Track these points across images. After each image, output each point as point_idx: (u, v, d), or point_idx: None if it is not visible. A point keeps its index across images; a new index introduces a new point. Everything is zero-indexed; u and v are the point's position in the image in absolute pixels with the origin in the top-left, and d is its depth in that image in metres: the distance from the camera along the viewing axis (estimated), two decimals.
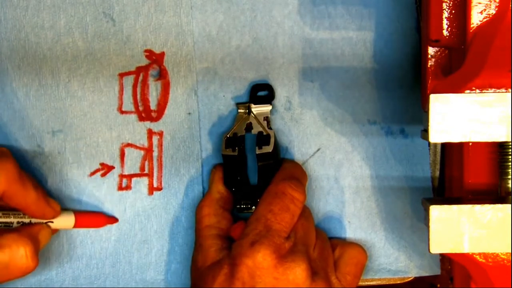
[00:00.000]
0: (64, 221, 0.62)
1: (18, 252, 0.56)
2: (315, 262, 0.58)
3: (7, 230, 0.57)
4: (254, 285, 0.55)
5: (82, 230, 0.64)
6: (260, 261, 0.55)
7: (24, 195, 0.57)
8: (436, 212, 0.54)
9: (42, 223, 0.60)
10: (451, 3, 0.57)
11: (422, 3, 0.61)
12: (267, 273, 0.55)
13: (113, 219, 0.65)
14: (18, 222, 0.59)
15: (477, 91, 0.53)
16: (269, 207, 0.58)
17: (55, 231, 0.63)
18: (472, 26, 0.55)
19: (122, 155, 0.64)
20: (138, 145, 0.64)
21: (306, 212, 0.61)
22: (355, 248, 0.63)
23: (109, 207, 0.65)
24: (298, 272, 0.56)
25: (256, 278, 0.55)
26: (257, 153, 0.62)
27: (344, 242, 0.64)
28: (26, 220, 0.59)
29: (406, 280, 0.66)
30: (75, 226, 0.63)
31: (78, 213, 0.63)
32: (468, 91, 0.53)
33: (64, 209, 0.63)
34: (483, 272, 0.55)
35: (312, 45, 0.65)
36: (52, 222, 0.61)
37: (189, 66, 0.64)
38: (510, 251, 0.54)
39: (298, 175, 0.62)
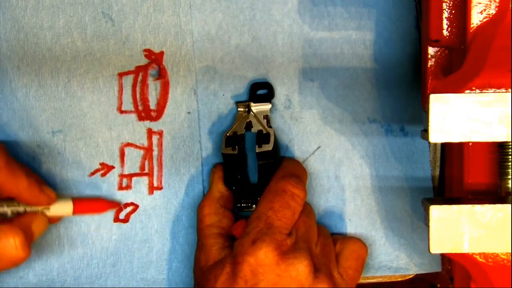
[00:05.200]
0: (62, 208, 0.61)
1: (8, 243, 0.55)
2: (317, 258, 0.58)
3: None
4: (257, 283, 0.55)
5: (83, 230, 0.64)
6: (262, 258, 0.55)
7: (14, 183, 0.57)
8: (436, 212, 0.55)
9: (38, 211, 0.60)
10: (451, 3, 0.57)
11: (422, 3, 0.61)
12: (269, 270, 0.55)
13: (115, 204, 0.64)
14: (12, 212, 0.59)
15: (477, 91, 0.53)
16: (270, 204, 0.58)
17: (57, 220, 0.63)
18: (472, 26, 0.55)
19: (122, 155, 0.64)
20: (138, 144, 0.64)
21: (307, 209, 0.61)
22: (355, 242, 0.63)
23: None
24: (300, 268, 0.56)
25: (259, 275, 0.55)
26: (257, 151, 0.62)
27: (344, 237, 0.64)
28: (21, 209, 0.59)
29: (407, 278, 0.67)
30: (75, 212, 0.62)
31: (77, 199, 0.63)
32: (468, 91, 0.53)
33: (62, 195, 0.62)
34: (483, 272, 0.55)
35: (311, 44, 0.64)
36: (49, 209, 0.60)
37: (189, 66, 0.64)
38: (510, 251, 0.54)
39: (298, 173, 0.62)
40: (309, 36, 0.64)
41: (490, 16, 0.55)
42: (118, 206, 0.65)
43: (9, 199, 0.59)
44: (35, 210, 0.60)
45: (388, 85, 0.65)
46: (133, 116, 0.64)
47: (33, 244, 0.63)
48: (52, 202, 0.61)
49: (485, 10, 0.55)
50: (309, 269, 0.56)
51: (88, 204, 0.63)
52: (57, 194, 0.61)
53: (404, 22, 0.65)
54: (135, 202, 0.65)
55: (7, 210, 0.59)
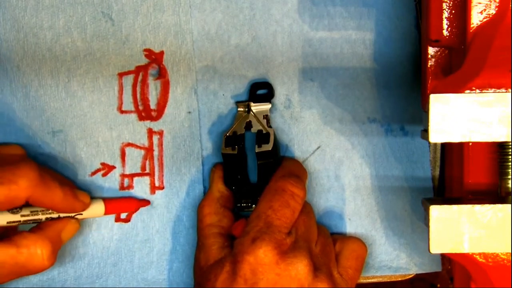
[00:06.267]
0: (94, 211, 0.62)
1: (36, 253, 0.56)
2: (317, 258, 0.58)
3: (28, 230, 0.58)
4: (257, 282, 0.55)
5: (84, 230, 0.64)
6: (261, 257, 0.55)
7: (50, 196, 0.57)
8: (436, 212, 0.55)
9: (71, 216, 0.60)
10: (451, 3, 0.57)
11: (422, 3, 0.61)
12: (269, 269, 0.55)
13: (145, 202, 0.65)
14: (46, 218, 0.59)
15: (477, 91, 0.53)
16: (269, 203, 0.58)
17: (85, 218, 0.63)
18: (472, 26, 0.55)
19: (122, 154, 0.64)
20: (138, 144, 0.64)
21: (307, 208, 0.61)
22: (355, 242, 0.63)
23: None
24: (300, 267, 0.56)
25: (258, 274, 0.55)
26: (256, 151, 0.62)
27: (344, 237, 0.65)
28: (55, 216, 0.59)
29: (407, 277, 0.67)
30: (106, 213, 0.63)
31: (107, 199, 0.63)
32: (468, 91, 0.53)
33: (93, 198, 0.63)
34: (483, 272, 0.55)
35: (311, 44, 0.64)
36: (81, 214, 0.61)
37: (189, 65, 0.64)
38: (510, 251, 0.54)
39: (297, 172, 0.62)
40: (308, 36, 0.64)
41: (490, 16, 0.55)
42: (148, 204, 0.65)
43: None
44: (68, 215, 0.60)
45: (388, 85, 0.65)
46: (134, 116, 0.64)
47: None
48: (86, 207, 0.61)
49: (485, 10, 0.55)
50: (309, 268, 0.56)
51: (119, 204, 0.64)
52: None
53: (404, 21, 0.64)
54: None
55: (42, 217, 0.59)
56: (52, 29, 0.63)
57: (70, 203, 0.59)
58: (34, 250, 0.56)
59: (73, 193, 0.60)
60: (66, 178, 0.63)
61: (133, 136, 0.64)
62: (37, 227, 0.59)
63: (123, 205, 0.64)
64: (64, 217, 0.60)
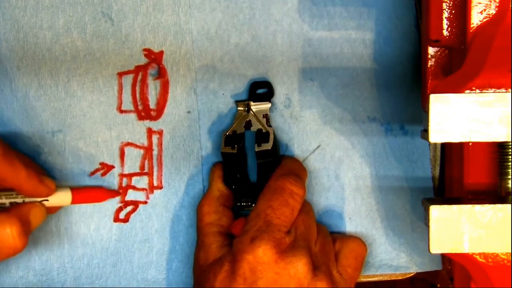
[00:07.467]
0: (60, 198, 0.61)
1: (5, 233, 0.55)
2: (316, 257, 0.58)
3: None
4: (256, 281, 0.55)
5: (83, 230, 0.64)
6: (260, 256, 0.55)
7: (13, 174, 0.56)
8: (436, 212, 0.55)
9: (36, 201, 0.59)
10: (451, 3, 0.57)
11: (422, 3, 0.61)
12: (268, 268, 0.55)
13: (114, 192, 0.64)
14: (10, 203, 0.59)
15: (477, 91, 0.53)
16: (269, 202, 0.58)
17: (55, 210, 0.62)
18: (472, 26, 0.55)
19: (122, 154, 0.64)
20: (138, 144, 0.64)
21: (306, 207, 0.61)
22: (355, 241, 0.63)
23: (109, 207, 0.65)
24: (299, 266, 0.56)
25: (258, 273, 0.55)
26: (256, 150, 0.62)
27: (344, 236, 0.65)
28: (19, 200, 0.59)
29: (408, 276, 0.67)
30: (74, 202, 0.62)
31: (76, 188, 0.62)
32: (468, 91, 0.53)
33: (60, 186, 0.62)
34: (483, 272, 0.55)
35: (311, 43, 0.64)
36: (47, 200, 0.60)
37: (188, 65, 0.64)
38: (510, 251, 0.54)
39: (297, 171, 0.62)
40: (308, 35, 0.64)
41: (490, 16, 0.55)
42: (117, 195, 0.64)
43: (8, 190, 0.59)
44: (33, 200, 0.59)
45: (388, 84, 0.65)
46: (133, 116, 0.64)
47: (33, 243, 0.64)
48: (51, 193, 0.60)
49: (485, 10, 0.55)
50: (308, 267, 0.56)
51: (87, 193, 0.63)
52: (56, 184, 0.60)
53: (404, 21, 0.64)
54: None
55: (5, 201, 0.59)
56: (52, 29, 0.63)
57: (33, 184, 0.58)
58: (3, 229, 0.55)
59: (38, 176, 0.58)
60: (34, 162, 0.62)
61: (133, 136, 0.64)
62: (2, 210, 0.58)
63: (91, 195, 0.63)
64: (28, 202, 0.59)
